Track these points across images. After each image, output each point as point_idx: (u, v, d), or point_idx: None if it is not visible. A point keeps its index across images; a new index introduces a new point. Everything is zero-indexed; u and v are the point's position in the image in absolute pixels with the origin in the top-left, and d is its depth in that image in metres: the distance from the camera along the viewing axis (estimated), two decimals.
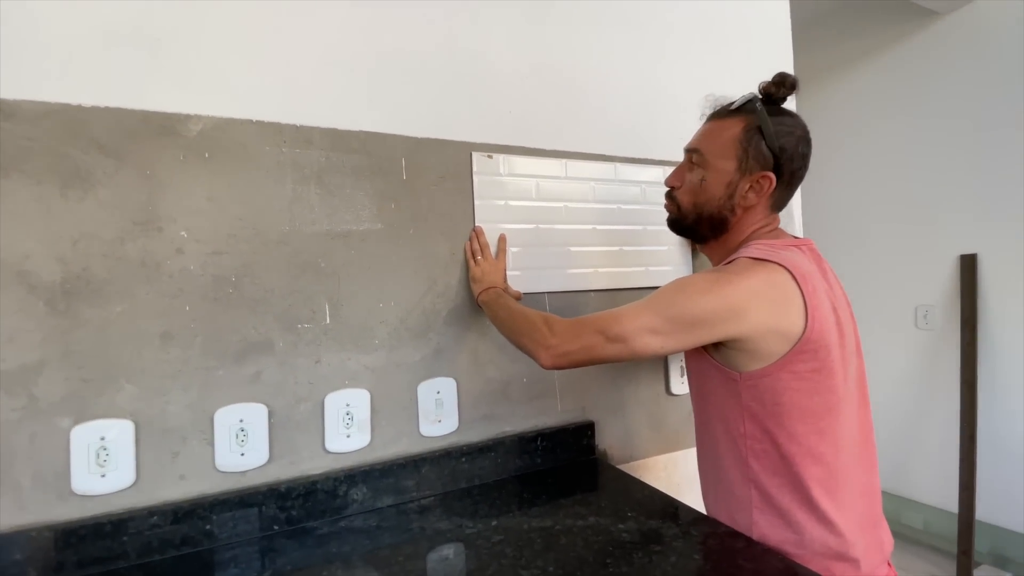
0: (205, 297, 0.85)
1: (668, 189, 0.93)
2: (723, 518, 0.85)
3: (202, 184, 0.85)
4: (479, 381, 1.05)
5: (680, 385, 1.27)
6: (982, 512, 2.25)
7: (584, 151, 1.17)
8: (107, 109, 0.79)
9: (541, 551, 0.76)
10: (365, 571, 0.74)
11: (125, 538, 0.77)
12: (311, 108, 0.92)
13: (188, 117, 0.85)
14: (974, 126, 2.33)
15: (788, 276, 0.73)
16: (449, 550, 0.80)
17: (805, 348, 0.73)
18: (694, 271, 1.30)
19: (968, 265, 2.34)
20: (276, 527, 0.86)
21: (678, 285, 0.77)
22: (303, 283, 0.91)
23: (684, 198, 0.89)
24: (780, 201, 0.86)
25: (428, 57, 1.02)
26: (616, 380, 1.20)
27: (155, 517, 0.79)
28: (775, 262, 0.74)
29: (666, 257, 1.26)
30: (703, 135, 0.88)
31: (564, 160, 1.14)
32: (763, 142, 0.80)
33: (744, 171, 0.82)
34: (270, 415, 0.88)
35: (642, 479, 1.19)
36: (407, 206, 0.99)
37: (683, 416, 1.28)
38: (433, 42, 1.02)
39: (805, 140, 0.82)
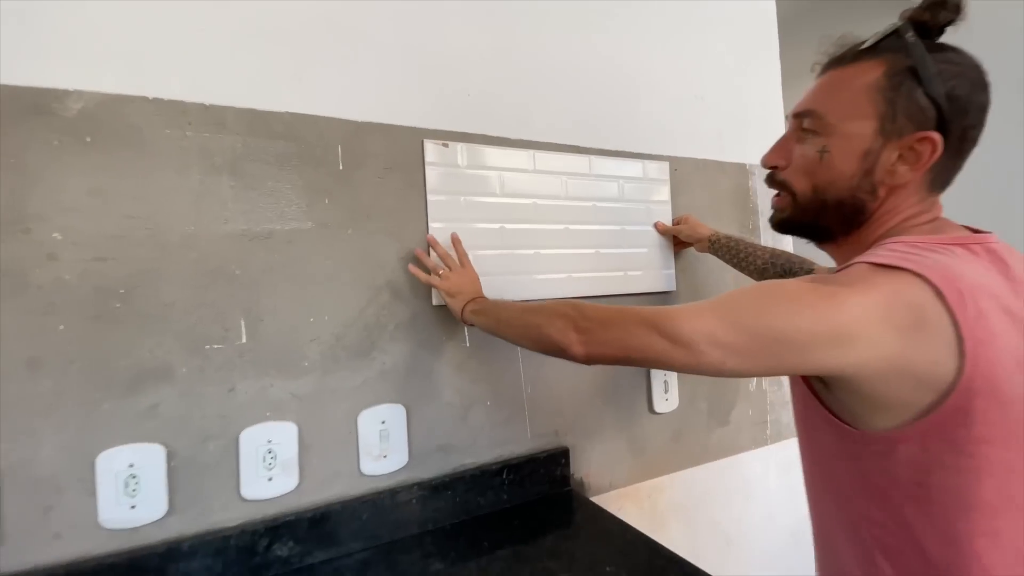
0: (85, 314, 0.68)
1: (769, 171, 0.67)
2: None
3: (82, 175, 0.69)
4: (434, 407, 0.90)
5: (664, 402, 1.14)
6: None
7: (554, 141, 1.04)
8: None
9: None
10: None
11: None
12: (225, 84, 0.77)
13: (66, 93, 0.69)
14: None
15: (929, 292, 0.49)
16: None
17: (965, 403, 0.48)
18: (676, 277, 1.17)
19: None
20: None
21: (761, 289, 0.55)
22: (212, 295, 0.75)
23: (799, 181, 0.63)
24: (943, 175, 0.59)
25: (372, 27, 0.87)
26: (593, 399, 1.06)
27: None
28: (911, 270, 0.50)
29: (646, 261, 1.13)
30: (818, 91, 0.62)
31: (532, 151, 1.01)
32: (919, 89, 0.55)
33: (890, 134, 0.57)
34: (169, 457, 0.72)
35: (624, 509, 1.06)
36: (344, 202, 0.84)
37: (667, 437, 1.15)
38: (377, 10, 0.88)
39: (982, 86, 0.57)
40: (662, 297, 1.15)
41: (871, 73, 0.57)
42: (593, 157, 1.07)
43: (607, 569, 0.72)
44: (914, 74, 0.55)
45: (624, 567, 0.72)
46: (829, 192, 0.61)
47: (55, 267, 0.67)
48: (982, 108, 0.57)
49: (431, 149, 0.91)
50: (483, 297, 0.84)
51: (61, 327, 0.67)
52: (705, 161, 1.23)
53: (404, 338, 0.88)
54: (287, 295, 0.79)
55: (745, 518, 1.25)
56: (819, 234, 0.65)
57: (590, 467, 1.04)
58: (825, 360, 0.50)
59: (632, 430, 1.10)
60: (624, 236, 1.10)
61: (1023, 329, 0.51)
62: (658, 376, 1.12)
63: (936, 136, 0.55)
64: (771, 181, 0.67)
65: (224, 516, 0.75)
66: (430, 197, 0.90)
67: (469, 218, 0.94)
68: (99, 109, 0.70)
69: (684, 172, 1.19)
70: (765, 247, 0.99)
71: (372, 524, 0.82)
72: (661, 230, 1.14)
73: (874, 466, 0.53)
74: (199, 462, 0.74)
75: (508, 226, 0.97)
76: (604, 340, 0.59)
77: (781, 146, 0.66)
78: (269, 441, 0.77)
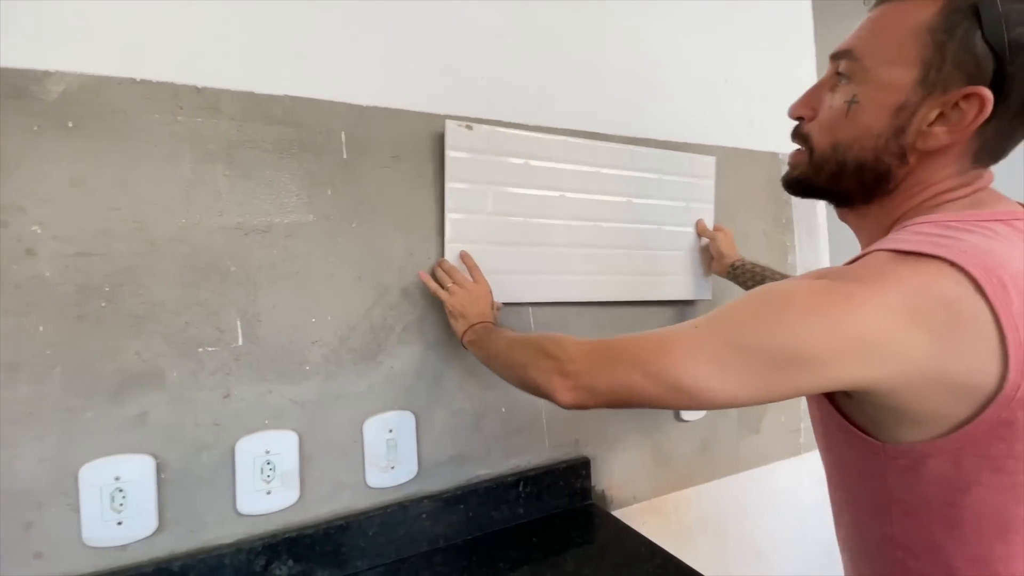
0: (67, 314, 0.63)
1: (795, 124, 0.59)
2: None
3: (64, 163, 0.64)
4: (444, 414, 0.83)
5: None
6: None
7: (585, 129, 0.96)
8: None
9: None
10: None
11: None
12: (219, 64, 0.71)
13: (46, 74, 0.63)
14: None
15: (966, 284, 0.41)
16: None
17: (1008, 415, 0.42)
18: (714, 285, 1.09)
19: None
20: None
21: (761, 297, 0.48)
22: (206, 293, 0.69)
23: (819, 135, 0.54)
24: (993, 145, 0.49)
25: (379, 2, 0.80)
26: None
27: None
28: (942, 258, 0.42)
29: (681, 265, 1.03)
30: (863, 28, 0.52)
31: (564, 138, 0.91)
32: (977, 33, 0.45)
33: (933, 86, 0.47)
34: (159, 469, 0.66)
35: (648, 523, 0.99)
36: (349, 193, 0.78)
37: (695, 446, 1.07)
38: None
39: None
40: (696, 306, 1.07)
41: (925, 10, 0.47)
42: (634, 148, 0.98)
43: None
44: (976, 15, 0.45)
45: None
46: (850, 152, 0.52)
47: (34, 263, 0.62)
48: None
49: (453, 131, 0.82)
50: (486, 323, 0.75)
51: (41, 328, 0.62)
52: (736, 150, 1.15)
53: (413, 340, 0.81)
54: (287, 294, 0.73)
55: (777, 532, 1.17)
56: (836, 199, 0.57)
57: (612, 479, 0.97)
58: (847, 376, 0.43)
59: (657, 439, 1.03)
60: (659, 236, 1.00)
61: None
62: None
63: (986, 93, 0.45)
64: (794, 134, 0.58)
65: (219, 533, 0.69)
66: (449, 184, 0.82)
67: (490, 209, 0.85)
68: (82, 92, 0.65)
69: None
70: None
71: (379, 541, 0.76)
72: (700, 230, 1.04)
73: (899, 483, 0.47)
74: (192, 474, 0.68)
75: (532, 221, 0.89)
76: (591, 386, 0.52)
77: (811, 94, 0.56)
78: (267, 451, 0.71)
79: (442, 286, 0.79)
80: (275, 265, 0.73)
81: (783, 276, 0.90)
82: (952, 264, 0.41)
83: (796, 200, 1.24)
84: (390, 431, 0.78)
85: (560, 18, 0.95)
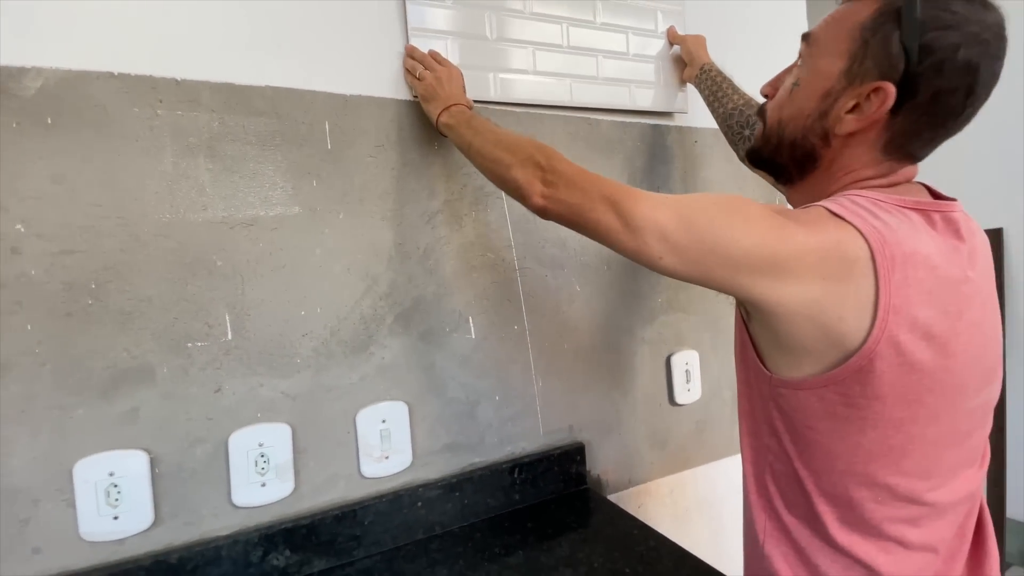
0: (54, 312, 0.63)
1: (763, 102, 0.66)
2: (745, 552, 0.69)
3: (44, 160, 0.63)
4: (438, 404, 0.84)
5: (686, 393, 1.06)
6: (1012, 510, 2.07)
7: None
8: None
9: None
10: None
11: None
12: (198, 56, 0.70)
13: (23, 71, 0.62)
14: (1001, 97, 2.10)
15: (866, 251, 0.49)
16: None
17: (867, 364, 0.50)
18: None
19: (993, 239, 2.15)
20: None
21: (727, 201, 0.55)
22: (193, 289, 0.69)
23: (772, 112, 0.62)
24: (904, 141, 0.55)
25: None
26: (610, 391, 0.99)
27: None
28: (857, 228, 0.50)
29: (654, 75, 1.00)
30: (825, 19, 0.59)
31: None
32: (896, 34, 0.51)
33: (854, 78, 0.54)
34: (153, 464, 0.67)
35: (644, 506, 1.00)
36: (334, 184, 0.77)
37: (690, 430, 1.07)
38: None
39: (979, 43, 0.50)
40: (671, 118, 1.05)
41: (866, 10, 0.54)
42: None
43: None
44: (899, 18, 0.51)
45: (648, 574, 0.66)
46: (787, 129, 0.60)
47: (19, 262, 0.62)
48: (968, 71, 0.50)
49: None
50: (461, 106, 0.75)
51: (29, 327, 0.62)
52: None
53: (404, 331, 0.81)
54: (275, 287, 0.73)
55: None
56: (778, 172, 0.65)
57: (608, 463, 0.98)
58: (750, 285, 0.51)
59: (652, 423, 1.03)
60: (632, 44, 0.97)
61: (957, 302, 0.52)
62: (679, 366, 1.05)
63: (889, 88, 0.51)
64: (757, 111, 0.66)
65: (215, 525, 0.70)
66: None
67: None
68: (60, 87, 0.64)
69: (704, 143, 1.10)
70: (745, 94, 0.89)
71: (374, 530, 0.76)
72: (671, 35, 1.02)
73: (775, 406, 0.58)
74: (186, 468, 0.69)
75: (495, 9, 0.84)
76: (564, 200, 0.60)
77: (778, 76, 0.64)
78: (261, 444, 0.71)
79: (413, 73, 0.79)
80: (262, 259, 0.73)
81: (735, 90, 0.91)
82: (860, 233, 0.50)
83: None
84: (383, 421, 0.78)
85: None
